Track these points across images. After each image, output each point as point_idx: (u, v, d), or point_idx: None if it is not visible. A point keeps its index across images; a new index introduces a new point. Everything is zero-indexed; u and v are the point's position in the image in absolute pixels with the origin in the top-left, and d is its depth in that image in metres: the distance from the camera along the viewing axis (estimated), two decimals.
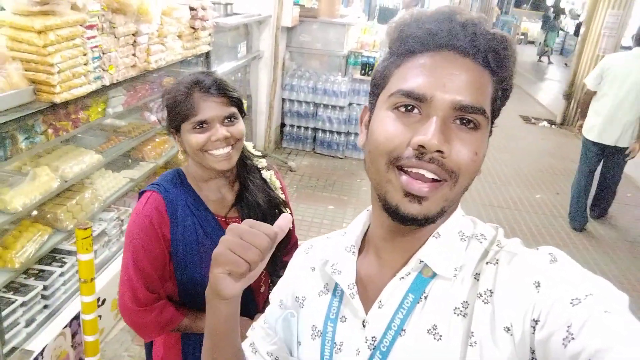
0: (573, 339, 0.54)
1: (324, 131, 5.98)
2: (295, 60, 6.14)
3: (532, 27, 19.52)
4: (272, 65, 5.53)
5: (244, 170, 1.47)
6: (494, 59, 0.67)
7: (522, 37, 19.30)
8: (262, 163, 1.54)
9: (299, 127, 6.06)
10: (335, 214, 4.61)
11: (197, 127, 1.30)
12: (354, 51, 6.08)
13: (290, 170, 5.49)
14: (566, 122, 8.55)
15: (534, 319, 0.60)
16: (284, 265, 1.51)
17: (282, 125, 6.15)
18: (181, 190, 1.39)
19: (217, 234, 1.38)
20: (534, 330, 0.60)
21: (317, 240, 0.92)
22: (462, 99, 0.64)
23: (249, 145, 1.53)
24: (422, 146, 0.63)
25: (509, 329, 0.62)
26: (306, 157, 5.98)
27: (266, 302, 1.51)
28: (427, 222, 0.67)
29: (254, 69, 5.52)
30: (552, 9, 18.81)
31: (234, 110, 1.35)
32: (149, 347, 1.56)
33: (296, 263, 0.91)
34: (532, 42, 19.12)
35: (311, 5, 6.02)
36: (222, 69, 4.46)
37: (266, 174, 1.53)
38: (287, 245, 1.57)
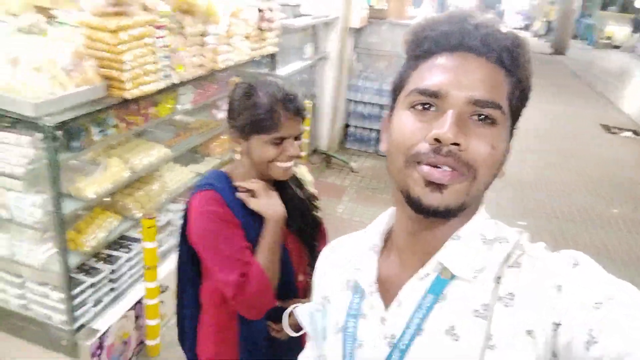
0: (595, 342, 0.54)
1: None
2: (363, 61, 6.14)
3: (619, 30, 18.20)
4: (338, 66, 5.58)
5: None
6: (508, 58, 0.68)
7: (607, 41, 18.10)
8: None
9: (363, 128, 6.07)
10: None
11: (275, 141, 1.36)
12: None
13: (352, 171, 5.50)
14: None
15: (555, 323, 0.60)
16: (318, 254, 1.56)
17: (346, 125, 6.18)
18: (229, 191, 1.44)
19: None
20: (556, 333, 0.60)
21: (344, 238, 0.94)
22: (476, 94, 0.65)
23: None
24: (438, 140, 0.63)
25: (530, 333, 0.62)
26: (369, 158, 5.96)
27: (307, 290, 1.55)
28: (448, 214, 0.67)
29: (320, 70, 5.58)
30: None
31: (303, 127, 1.43)
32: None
33: (322, 262, 0.94)
34: (617, 47, 17.86)
35: (380, 6, 6.01)
36: (288, 69, 4.54)
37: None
38: (317, 236, 1.61)
